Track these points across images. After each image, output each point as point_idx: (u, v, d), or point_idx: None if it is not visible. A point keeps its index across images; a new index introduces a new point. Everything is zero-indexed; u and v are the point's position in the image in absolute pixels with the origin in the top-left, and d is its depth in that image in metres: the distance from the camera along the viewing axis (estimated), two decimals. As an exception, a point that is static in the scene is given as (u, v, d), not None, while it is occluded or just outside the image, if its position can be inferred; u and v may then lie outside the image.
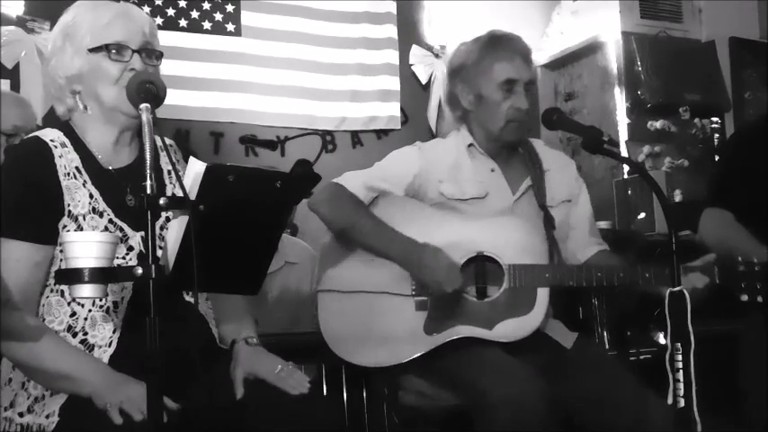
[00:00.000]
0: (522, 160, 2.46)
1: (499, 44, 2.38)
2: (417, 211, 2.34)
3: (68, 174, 1.81)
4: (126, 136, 1.91)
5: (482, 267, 2.27)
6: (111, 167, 1.88)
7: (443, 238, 2.26)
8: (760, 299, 2.16)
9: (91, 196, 1.82)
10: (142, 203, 1.45)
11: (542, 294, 2.24)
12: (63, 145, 1.84)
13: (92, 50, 1.83)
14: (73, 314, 1.79)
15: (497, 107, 2.35)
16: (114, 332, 1.79)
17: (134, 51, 1.83)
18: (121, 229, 1.82)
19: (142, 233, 1.81)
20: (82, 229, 1.78)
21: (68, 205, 1.79)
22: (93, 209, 1.81)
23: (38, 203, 1.77)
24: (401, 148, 2.48)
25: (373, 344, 2.27)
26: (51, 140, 1.83)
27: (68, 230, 1.77)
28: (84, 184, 1.82)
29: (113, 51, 1.82)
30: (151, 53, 1.88)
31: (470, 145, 2.43)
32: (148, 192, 1.45)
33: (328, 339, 2.31)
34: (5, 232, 1.75)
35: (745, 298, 2.18)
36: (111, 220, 1.82)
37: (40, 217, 1.77)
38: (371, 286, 2.31)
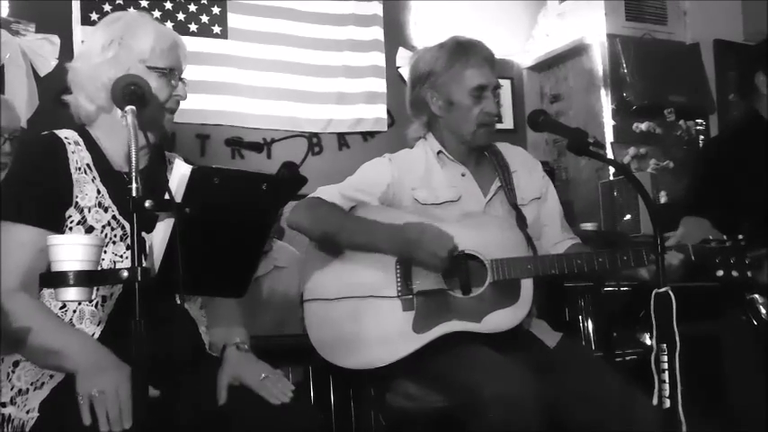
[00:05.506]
0: (491, 163, 2.51)
1: (468, 51, 2.44)
2: (396, 217, 2.33)
3: (79, 168, 1.88)
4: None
5: (465, 265, 2.29)
6: (123, 170, 1.93)
7: None
8: (735, 273, 2.15)
9: (98, 192, 1.87)
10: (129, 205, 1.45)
11: (527, 284, 2.27)
12: (76, 143, 1.91)
13: (150, 68, 1.91)
14: (62, 306, 1.81)
15: (469, 112, 2.41)
16: (99, 324, 1.80)
17: (179, 79, 1.97)
18: (123, 227, 1.86)
19: (143, 233, 1.82)
20: (86, 221, 1.82)
21: (76, 197, 1.84)
22: (99, 203, 1.86)
23: (47, 189, 1.82)
24: (371, 160, 2.50)
25: (364, 347, 2.27)
26: (66, 138, 1.90)
27: (72, 221, 1.82)
28: (93, 180, 1.88)
29: (167, 74, 1.94)
30: (182, 79, 2.01)
31: (439, 152, 2.48)
32: (134, 194, 1.46)
33: (318, 348, 2.30)
34: (12, 216, 1.79)
35: (720, 273, 2.17)
36: (114, 216, 1.86)
37: (48, 203, 1.82)
38: (356, 291, 2.32)
